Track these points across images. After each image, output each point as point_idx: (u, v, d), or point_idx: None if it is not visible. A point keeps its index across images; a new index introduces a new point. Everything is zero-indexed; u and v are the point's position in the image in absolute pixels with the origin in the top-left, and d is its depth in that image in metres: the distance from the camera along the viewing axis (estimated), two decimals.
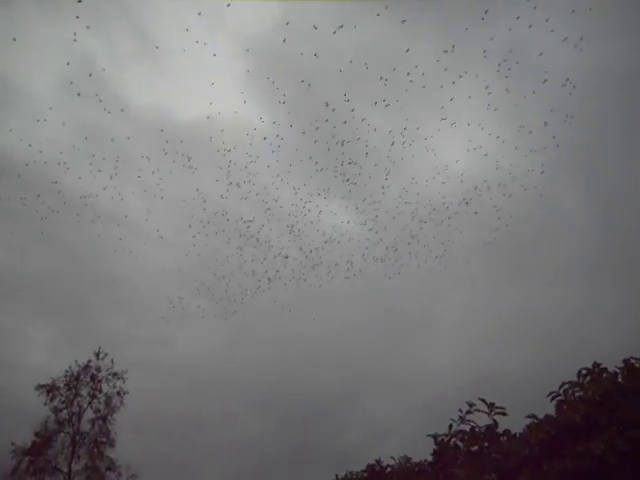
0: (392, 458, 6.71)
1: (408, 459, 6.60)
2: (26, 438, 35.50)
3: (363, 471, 6.45)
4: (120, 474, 36.50)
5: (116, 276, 49.78)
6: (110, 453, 36.64)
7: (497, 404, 5.37)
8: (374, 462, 6.56)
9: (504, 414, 4.70)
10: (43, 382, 36.08)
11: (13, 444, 34.88)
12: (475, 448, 4.85)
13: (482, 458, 4.38)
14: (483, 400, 4.73)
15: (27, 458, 35.00)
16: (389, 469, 6.47)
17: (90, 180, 48.03)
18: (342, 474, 6.90)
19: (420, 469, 6.22)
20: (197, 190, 49.26)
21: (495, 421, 4.69)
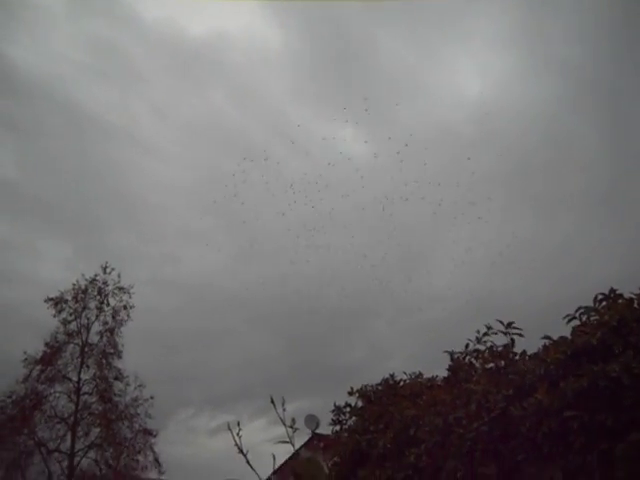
0: (404, 373, 7.00)
1: (419, 374, 6.90)
2: (37, 348, 36.60)
3: (378, 384, 6.75)
4: (128, 384, 37.79)
5: (127, 193, 49.68)
6: (118, 364, 37.74)
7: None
8: (388, 376, 6.87)
9: (521, 335, 4.91)
10: (52, 295, 36.90)
11: (25, 353, 36.04)
12: (491, 366, 5.10)
13: (499, 376, 4.63)
14: (500, 321, 4.94)
15: (38, 367, 36.19)
16: (402, 383, 6.79)
17: (100, 96, 47.25)
18: (353, 388, 7.18)
19: (432, 384, 6.53)
20: (207, 107, 48.51)
21: (513, 340, 4.90)
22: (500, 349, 4.95)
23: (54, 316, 37.06)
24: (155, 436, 37.37)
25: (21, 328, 44.81)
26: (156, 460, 36.78)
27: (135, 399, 37.30)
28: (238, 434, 7.37)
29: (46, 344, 36.72)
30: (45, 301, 36.40)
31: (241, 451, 7.20)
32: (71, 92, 46.83)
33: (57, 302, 36.71)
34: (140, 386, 37.53)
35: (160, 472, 36.26)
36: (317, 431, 20.66)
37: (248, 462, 7.24)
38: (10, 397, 35.16)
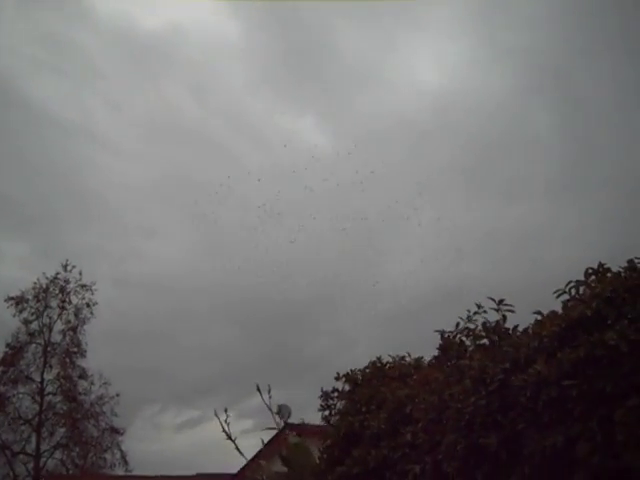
0: (389, 356, 7.10)
1: (402, 357, 7.01)
2: None
3: (365, 367, 6.83)
4: (92, 382, 37.31)
5: (85, 191, 48.74)
6: (82, 362, 37.27)
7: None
8: (375, 359, 6.96)
9: (512, 311, 5.04)
10: (12, 294, 36.10)
11: None
12: (484, 341, 5.23)
13: (493, 350, 4.75)
14: (492, 298, 5.06)
15: (0, 368, 35.53)
16: (388, 365, 6.89)
17: (55, 92, 46.23)
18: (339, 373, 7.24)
19: (419, 364, 6.65)
20: (164, 102, 47.89)
21: (504, 316, 5.02)
22: (493, 324, 5.07)
23: (14, 316, 36.28)
24: (122, 434, 37.00)
25: None
26: (123, 458, 36.42)
27: (100, 397, 36.85)
28: (226, 421, 7.35)
29: (7, 345, 35.94)
30: (5, 300, 35.57)
31: (229, 437, 7.18)
32: (25, 88, 45.67)
33: (18, 302, 35.93)
34: (105, 384, 37.07)
35: (127, 470, 35.95)
36: (289, 421, 20.69)
37: (237, 448, 7.21)
38: None
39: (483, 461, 4.41)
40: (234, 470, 25.37)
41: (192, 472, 29.98)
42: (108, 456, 36.25)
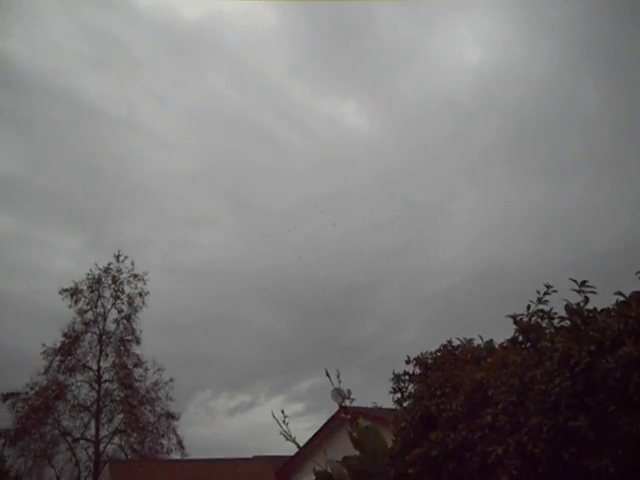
0: (458, 339, 7.14)
1: (470, 340, 7.04)
2: (55, 339, 36.99)
3: (437, 351, 6.89)
4: (147, 369, 38.27)
5: (132, 183, 49.83)
6: (136, 350, 38.28)
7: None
8: (446, 343, 7.01)
9: (594, 292, 5.01)
10: (66, 286, 37.14)
11: (44, 345, 36.41)
12: (563, 324, 5.22)
13: (577, 332, 4.74)
14: (574, 280, 5.04)
15: (58, 357, 36.64)
16: (460, 349, 6.93)
17: (99, 86, 47.09)
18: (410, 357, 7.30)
19: (491, 347, 6.66)
20: (207, 91, 48.27)
21: (587, 298, 5.00)
22: (574, 306, 5.06)
23: (70, 307, 37.40)
24: (177, 419, 37.95)
25: (37, 320, 45.14)
26: (179, 443, 37.36)
27: (155, 383, 37.84)
28: (284, 421, 7.51)
29: (64, 334, 37.12)
30: (60, 292, 36.70)
31: (289, 438, 7.30)
32: (70, 83, 46.66)
33: (72, 293, 37.00)
34: (159, 370, 38.03)
35: (184, 454, 36.86)
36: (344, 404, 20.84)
37: (298, 446, 7.30)
38: (33, 389, 35.63)
39: (571, 442, 4.44)
40: (289, 452, 25.76)
41: (247, 455, 30.61)
42: (165, 441, 37.25)
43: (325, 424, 21.64)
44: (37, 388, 35.79)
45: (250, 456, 29.70)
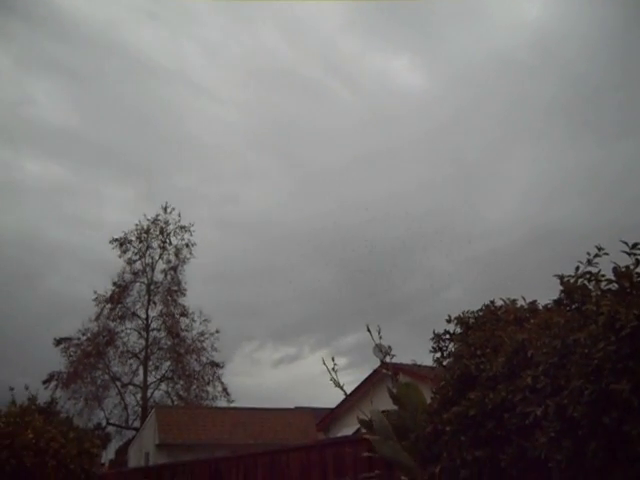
0: (501, 299, 7.04)
1: (514, 300, 6.93)
2: (106, 288, 38.14)
3: (479, 310, 6.82)
4: (193, 319, 39.24)
5: (184, 137, 50.26)
6: (183, 301, 39.23)
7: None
8: (488, 303, 6.92)
9: None
10: (116, 236, 38.07)
11: (95, 292, 37.61)
12: (610, 287, 5.07)
13: (625, 296, 4.61)
14: (624, 242, 4.86)
15: (108, 305, 37.85)
16: (503, 309, 6.84)
17: (152, 38, 47.16)
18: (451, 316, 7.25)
19: (534, 308, 6.56)
20: (259, 46, 47.83)
21: (637, 260, 4.83)
22: (623, 269, 4.89)
23: (119, 256, 38.45)
24: (222, 368, 39.07)
25: (90, 269, 46.50)
26: (224, 390, 38.51)
27: (201, 333, 38.89)
28: (334, 369, 7.57)
29: (114, 283, 38.31)
30: (110, 242, 37.73)
31: (338, 385, 7.37)
32: (123, 36, 46.91)
33: (122, 243, 37.99)
34: (205, 321, 39.02)
35: (229, 401, 37.96)
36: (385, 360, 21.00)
37: (345, 393, 7.39)
38: (84, 334, 36.99)
39: (612, 407, 4.36)
40: (329, 405, 26.14)
41: (290, 405, 31.32)
42: (210, 389, 38.42)
43: (366, 379, 21.89)
44: (89, 334, 37.13)
45: (292, 407, 30.37)
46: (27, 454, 13.70)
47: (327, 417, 24.07)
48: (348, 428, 21.67)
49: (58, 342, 37.19)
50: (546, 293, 6.64)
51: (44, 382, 36.49)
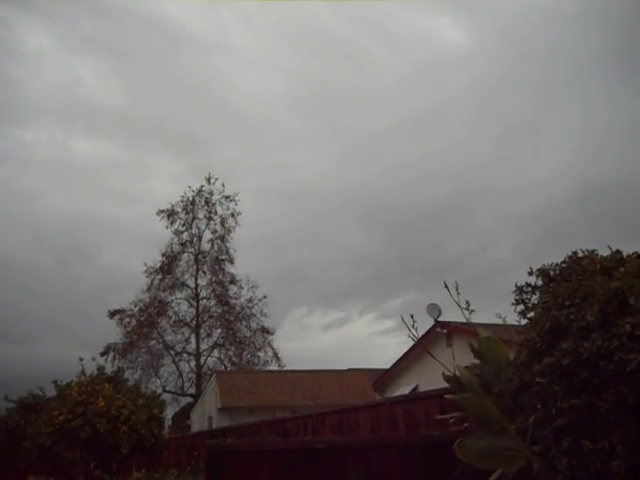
0: (581, 251, 6.98)
1: (593, 251, 6.86)
2: (156, 259, 38.86)
3: (562, 262, 6.78)
4: (241, 287, 39.79)
5: (227, 107, 50.28)
6: (231, 269, 39.76)
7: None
8: (571, 254, 6.87)
9: None
10: (163, 208, 38.59)
11: (145, 264, 38.35)
12: None
13: None
14: None
15: (158, 276, 38.59)
16: (586, 260, 6.78)
17: (191, 10, 46.90)
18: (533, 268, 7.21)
19: (620, 257, 6.48)
20: (298, 11, 47.25)
21: None
22: None
23: (167, 227, 39.06)
24: (272, 334, 39.68)
25: (140, 242, 47.40)
26: (275, 355, 39.16)
27: (250, 300, 39.50)
28: (413, 326, 7.66)
29: (162, 254, 38.97)
30: (157, 213, 38.29)
31: (415, 340, 7.44)
32: (163, 9, 46.75)
33: (169, 214, 38.51)
34: (253, 287, 39.53)
35: (280, 365, 38.61)
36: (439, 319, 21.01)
37: (428, 352, 7.48)
38: (137, 305, 37.87)
39: None
40: (382, 366, 26.33)
41: (341, 367, 31.71)
42: (261, 354, 39.09)
43: (420, 338, 21.99)
44: (141, 305, 37.97)
45: (345, 368, 30.74)
46: (100, 421, 14.23)
47: (382, 377, 24.30)
48: (404, 387, 21.87)
49: (112, 314, 38.16)
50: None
51: (102, 354, 37.61)
